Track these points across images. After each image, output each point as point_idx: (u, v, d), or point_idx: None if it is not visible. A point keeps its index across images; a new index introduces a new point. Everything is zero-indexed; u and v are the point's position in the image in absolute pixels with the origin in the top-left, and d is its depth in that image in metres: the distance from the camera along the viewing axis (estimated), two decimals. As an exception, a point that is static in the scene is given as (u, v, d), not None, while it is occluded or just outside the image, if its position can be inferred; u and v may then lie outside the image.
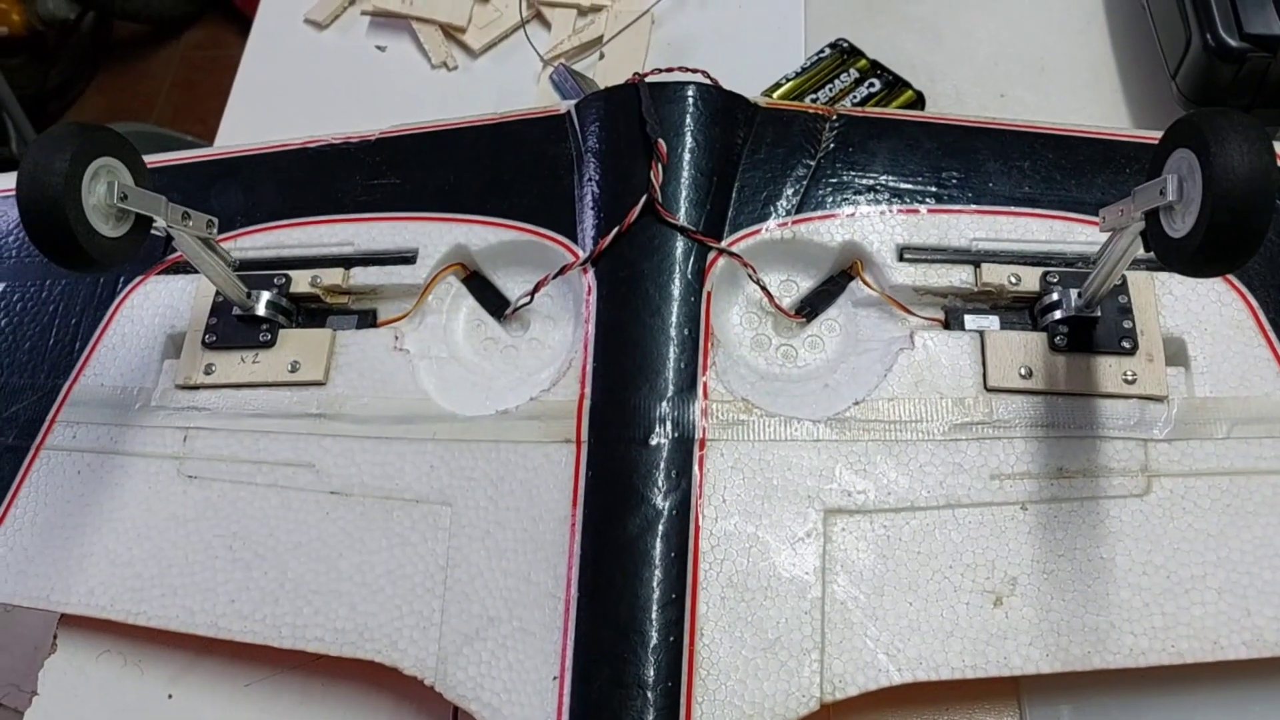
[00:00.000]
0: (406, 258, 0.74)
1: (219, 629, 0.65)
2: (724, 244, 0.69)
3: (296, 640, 0.64)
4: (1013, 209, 0.71)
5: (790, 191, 0.72)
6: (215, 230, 0.66)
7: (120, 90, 2.64)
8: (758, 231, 0.71)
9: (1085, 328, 0.66)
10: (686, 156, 0.71)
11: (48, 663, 0.71)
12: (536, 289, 0.71)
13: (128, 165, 0.61)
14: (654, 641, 0.58)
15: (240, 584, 0.66)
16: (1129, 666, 0.59)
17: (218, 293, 0.73)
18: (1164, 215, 0.52)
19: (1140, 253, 0.56)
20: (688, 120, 0.72)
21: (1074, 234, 0.69)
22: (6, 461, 0.73)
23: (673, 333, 0.66)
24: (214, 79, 2.54)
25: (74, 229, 0.56)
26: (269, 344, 0.72)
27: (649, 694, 0.57)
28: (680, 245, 0.68)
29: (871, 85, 0.93)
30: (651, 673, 0.58)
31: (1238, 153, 0.47)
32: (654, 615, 0.59)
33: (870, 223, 0.71)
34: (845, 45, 0.97)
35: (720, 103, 0.73)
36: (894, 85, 0.93)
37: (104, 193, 0.58)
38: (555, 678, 0.59)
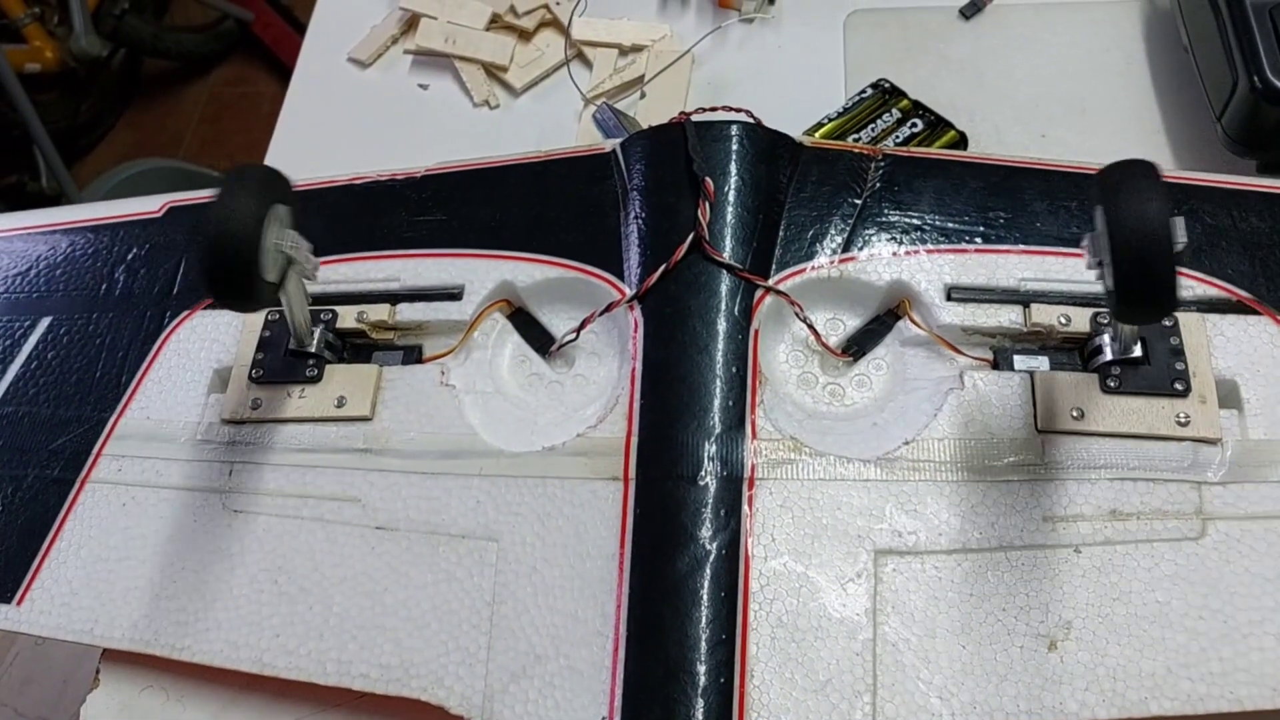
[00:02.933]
0: (453, 294, 0.74)
1: (263, 664, 0.65)
2: (771, 282, 0.69)
3: (341, 677, 0.64)
4: (1061, 249, 0.70)
5: (836, 230, 0.72)
6: (317, 272, 0.67)
7: (149, 126, 2.68)
8: (804, 270, 0.71)
9: (1137, 369, 0.65)
10: (732, 195, 0.71)
11: (90, 698, 0.70)
12: (583, 326, 0.71)
13: (290, 210, 0.62)
14: (704, 682, 0.58)
15: (285, 618, 0.66)
16: (1187, 713, 0.58)
17: (264, 327, 0.74)
18: (1100, 270, 0.54)
19: None
20: (733, 158, 0.72)
21: (1123, 275, 0.69)
22: (52, 494, 0.73)
23: (720, 370, 0.66)
24: (241, 115, 2.58)
25: (253, 271, 0.58)
26: (315, 379, 0.72)
27: (700, 735, 0.56)
28: (727, 283, 0.68)
29: (914, 125, 0.93)
30: (701, 714, 0.57)
31: (1127, 205, 0.50)
32: (704, 655, 0.58)
33: (918, 262, 0.71)
34: (887, 85, 0.97)
35: (765, 141, 0.74)
36: (936, 125, 0.93)
37: (274, 236, 0.60)
38: (604, 717, 0.58)
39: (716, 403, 0.65)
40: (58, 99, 2.44)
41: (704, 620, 0.59)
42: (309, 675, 0.64)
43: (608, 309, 0.70)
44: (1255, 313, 0.67)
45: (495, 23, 1.11)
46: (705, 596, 0.60)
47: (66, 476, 0.73)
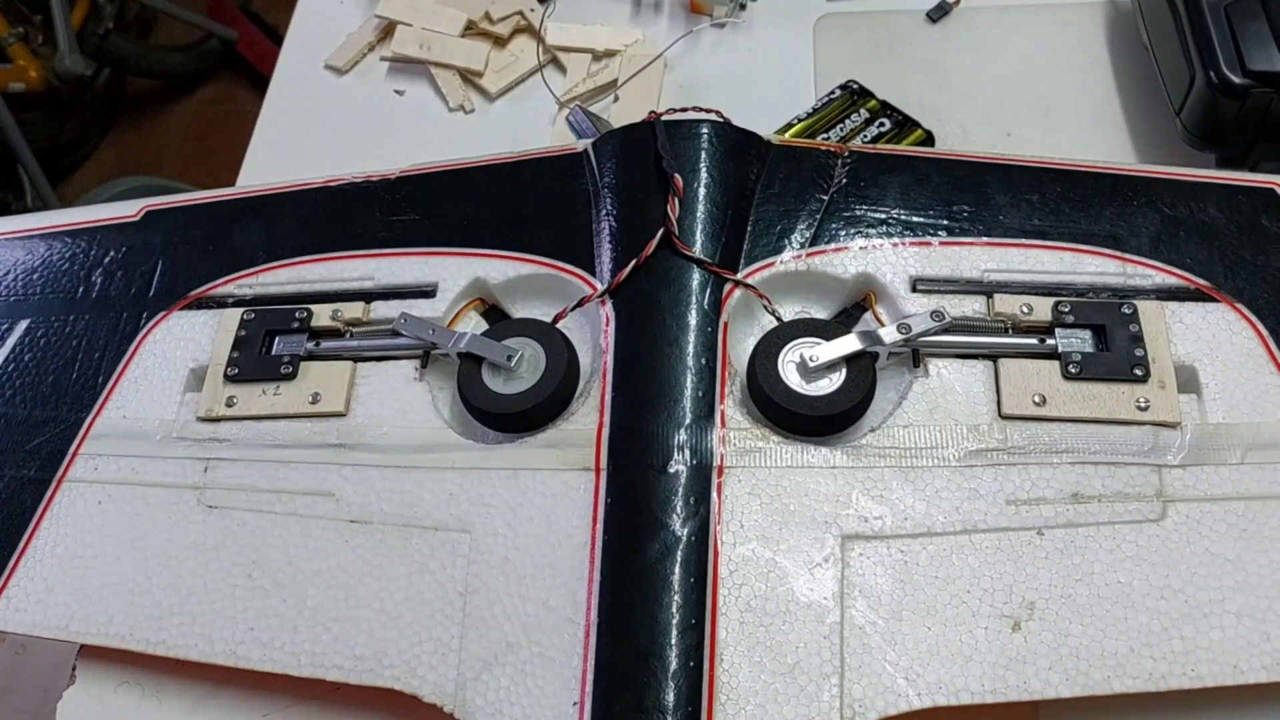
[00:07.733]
0: (426, 291, 0.75)
1: (238, 657, 0.66)
2: (740, 276, 0.71)
3: (315, 668, 0.64)
4: (1023, 241, 0.72)
5: (804, 225, 0.73)
6: None
7: (133, 144, 2.68)
8: (772, 264, 0.72)
9: (1097, 356, 0.66)
10: (702, 191, 0.72)
11: (66, 694, 0.70)
12: (555, 321, 0.72)
13: None
14: (674, 667, 0.58)
15: (259, 612, 0.66)
16: (1149, 691, 0.59)
17: (240, 326, 0.75)
18: None
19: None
20: (703, 156, 0.73)
21: (1084, 265, 0.70)
22: (29, 494, 0.74)
23: (690, 362, 0.67)
24: (225, 134, 2.58)
25: None
26: (290, 376, 0.73)
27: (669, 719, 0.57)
28: (697, 277, 0.69)
29: (882, 125, 0.95)
30: (672, 698, 0.58)
31: None
32: (674, 640, 0.59)
33: (883, 255, 0.72)
34: (855, 86, 0.98)
35: (734, 139, 0.75)
36: (904, 124, 0.95)
37: None
38: (575, 703, 0.59)
39: (686, 394, 0.66)
40: (42, 118, 2.44)
41: (674, 606, 0.60)
42: (283, 667, 0.65)
43: (580, 304, 0.71)
44: (1213, 300, 0.69)
45: (470, 29, 1.12)
46: (675, 583, 0.60)
47: (43, 476, 0.74)
